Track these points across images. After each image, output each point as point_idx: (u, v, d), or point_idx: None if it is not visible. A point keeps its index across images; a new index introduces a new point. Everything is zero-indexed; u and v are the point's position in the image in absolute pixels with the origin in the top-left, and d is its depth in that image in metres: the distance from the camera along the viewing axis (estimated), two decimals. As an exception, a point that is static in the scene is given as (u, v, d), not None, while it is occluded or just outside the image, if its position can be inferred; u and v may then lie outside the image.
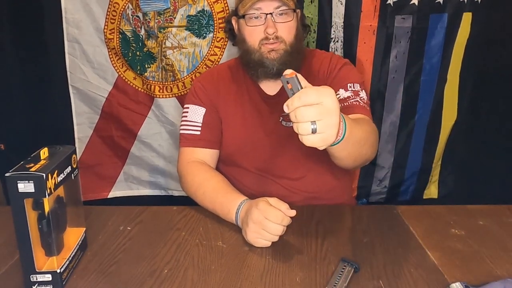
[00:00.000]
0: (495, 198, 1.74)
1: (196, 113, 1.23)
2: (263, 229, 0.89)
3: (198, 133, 1.21)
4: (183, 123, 1.24)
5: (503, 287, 0.73)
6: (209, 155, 1.22)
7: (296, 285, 0.79)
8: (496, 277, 0.81)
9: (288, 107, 0.68)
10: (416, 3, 1.49)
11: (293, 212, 0.90)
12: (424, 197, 1.81)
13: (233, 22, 1.25)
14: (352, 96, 1.14)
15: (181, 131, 1.24)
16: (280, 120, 1.21)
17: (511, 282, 0.74)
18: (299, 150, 1.21)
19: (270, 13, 1.12)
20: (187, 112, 1.24)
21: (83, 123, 1.80)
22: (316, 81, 1.17)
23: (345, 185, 1.34)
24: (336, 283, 0.78)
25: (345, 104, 1.13)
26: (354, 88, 1.16)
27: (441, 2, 1.50)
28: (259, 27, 1.13)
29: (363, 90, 1.17)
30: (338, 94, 1.14)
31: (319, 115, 0.66)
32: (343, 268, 0.82)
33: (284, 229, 0.91)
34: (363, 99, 1.15)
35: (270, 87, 1.23)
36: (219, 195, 1.06)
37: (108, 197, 1.89)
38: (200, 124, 1.21)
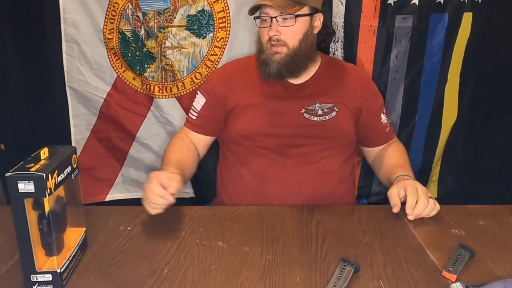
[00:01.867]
0: (495, 198, 1.74)
1: (198, 101, 1.37)
2: (145, 193, 1.01)
3: (195, 118, 1.36)
4: (191, 106, 1.39)
5: (503, 287, 0.73)
6: (198, 139, 1.37)
7: (296, 285, 0.79)
8: (496, 277, 0.81)
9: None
10: (417, 3, 1.49)
11: (173, 189, 0.99)
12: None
13: None
14: (387, 120, 1.39)
15: (188, 113, 1.39)
16: (302, 112, 1.27)
17: (511, 282, 0.74)
18: (316, 142, 1.27)
19: (275, 17, 1.19)
20: (195, 97, 1.38)
21: (80, 125, 1.79)
22: (344, 91, 1.31)
23: (350, 179, 1.39)
24: (336, 283, 0.78)
25: (386, 130, 1.38)
26: (385, 110, 1.39)
27: (442, 2, 1.49)
28: (266, 28, 1.23)
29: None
30: (381, 118, 1.37)
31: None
32: (343, 268, 0.82)
33: (162, 203, 0.99)
34: (389, 119, 1.40)
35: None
36: (166, 158, 1.25)
37: (106, 200, 1.87)
38: (197, 112, 1.35)
